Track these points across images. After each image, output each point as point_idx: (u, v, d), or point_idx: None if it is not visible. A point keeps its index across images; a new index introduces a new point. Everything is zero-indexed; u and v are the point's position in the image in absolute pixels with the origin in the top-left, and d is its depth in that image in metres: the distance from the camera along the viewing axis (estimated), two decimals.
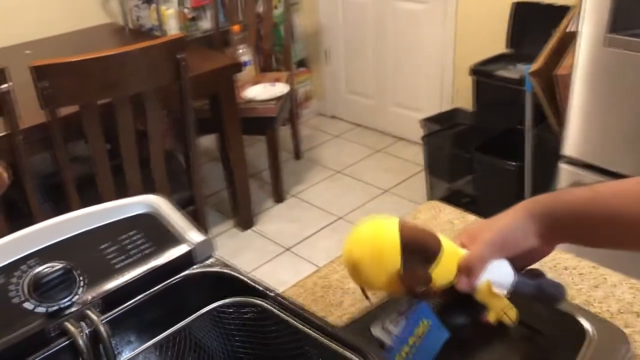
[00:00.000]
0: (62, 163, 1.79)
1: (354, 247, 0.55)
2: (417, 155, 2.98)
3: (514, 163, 2.28)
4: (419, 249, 0.56)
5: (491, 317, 0.59)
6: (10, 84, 1.65)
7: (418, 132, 2.76)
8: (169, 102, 1.92)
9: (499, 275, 0.60)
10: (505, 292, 0.60)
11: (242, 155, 2.52)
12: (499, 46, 2.55)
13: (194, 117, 2.00)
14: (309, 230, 2.61)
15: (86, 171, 1.95)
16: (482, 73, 2.42)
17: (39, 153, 1.97)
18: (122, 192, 1.84)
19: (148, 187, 1.94)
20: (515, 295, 0.60)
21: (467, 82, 2.58)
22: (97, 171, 1.84)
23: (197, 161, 2.08)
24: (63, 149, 1.77)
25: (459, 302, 0.60)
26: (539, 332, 0.71)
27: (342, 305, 0.86)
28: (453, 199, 2.59)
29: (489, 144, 2.40)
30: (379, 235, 0.55)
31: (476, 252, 0.58)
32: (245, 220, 2.66)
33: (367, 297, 0.60)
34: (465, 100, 2.76)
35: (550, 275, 0.63)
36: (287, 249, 2.52)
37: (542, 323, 0.70)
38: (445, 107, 2.99)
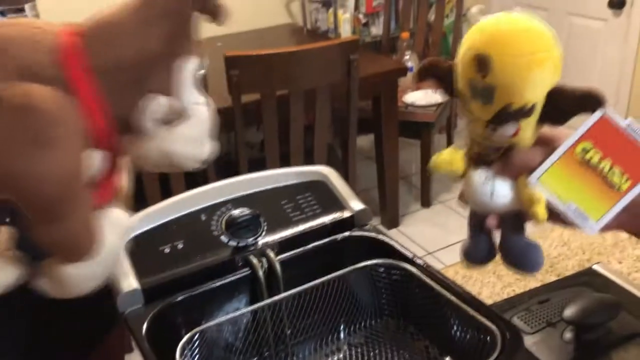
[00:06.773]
0: (240, 144, 2.02)
1: None
2: None
3: None
4: None
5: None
6: (204, 71, 1.90)
7: None
8: (336, 99, 2.08)
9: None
10: None
11: (396, 157, 2.62)
12: None
13: (357, 116, 2.14)
14: (453, 238, 2.63)
15: (254, 155, 2.18)
16: None
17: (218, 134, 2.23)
18: None
19: None
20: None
21: None
22: (268, 155, 2.05)
23: (354, 157, 2.22)
24: (241, 132, 2.01)
25: None
26: None
27: (480, 295, 0.92)
28: None
29: None
30: None
31: None
32: (391, 219, 2.75)
33: None
34: None
35: None
36: (430, 253, 2.56)
37: None
38: None
